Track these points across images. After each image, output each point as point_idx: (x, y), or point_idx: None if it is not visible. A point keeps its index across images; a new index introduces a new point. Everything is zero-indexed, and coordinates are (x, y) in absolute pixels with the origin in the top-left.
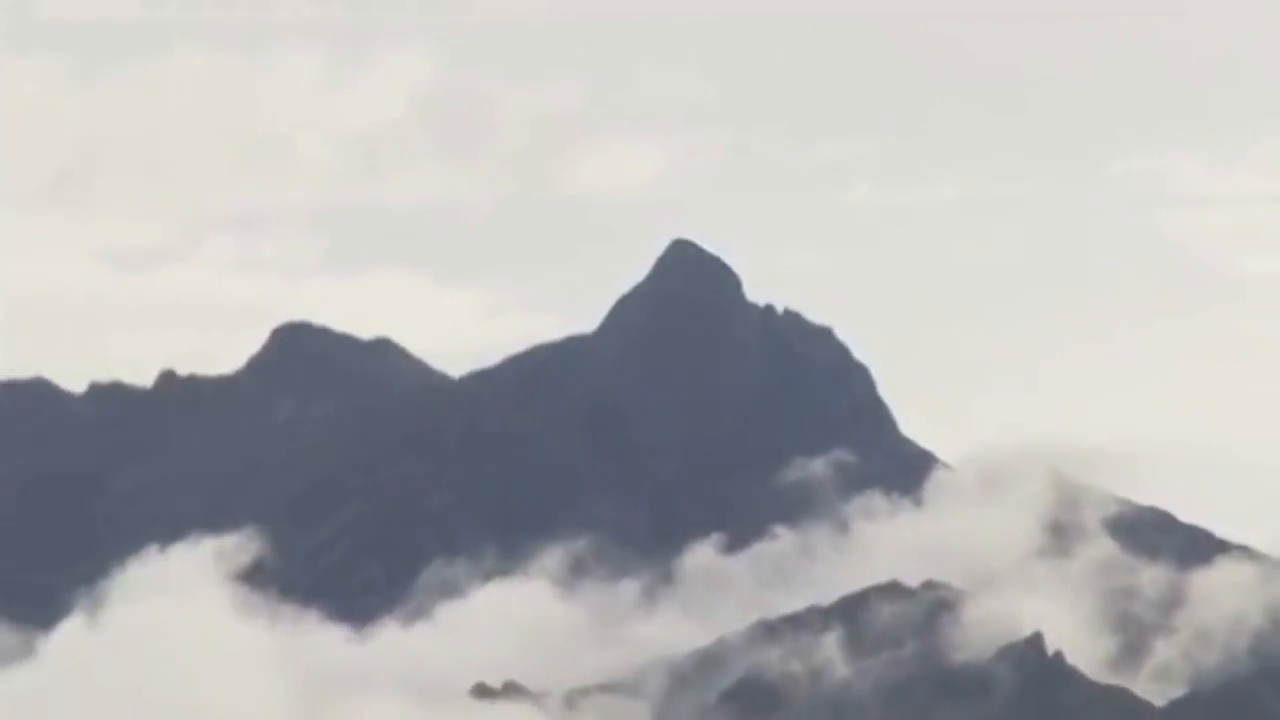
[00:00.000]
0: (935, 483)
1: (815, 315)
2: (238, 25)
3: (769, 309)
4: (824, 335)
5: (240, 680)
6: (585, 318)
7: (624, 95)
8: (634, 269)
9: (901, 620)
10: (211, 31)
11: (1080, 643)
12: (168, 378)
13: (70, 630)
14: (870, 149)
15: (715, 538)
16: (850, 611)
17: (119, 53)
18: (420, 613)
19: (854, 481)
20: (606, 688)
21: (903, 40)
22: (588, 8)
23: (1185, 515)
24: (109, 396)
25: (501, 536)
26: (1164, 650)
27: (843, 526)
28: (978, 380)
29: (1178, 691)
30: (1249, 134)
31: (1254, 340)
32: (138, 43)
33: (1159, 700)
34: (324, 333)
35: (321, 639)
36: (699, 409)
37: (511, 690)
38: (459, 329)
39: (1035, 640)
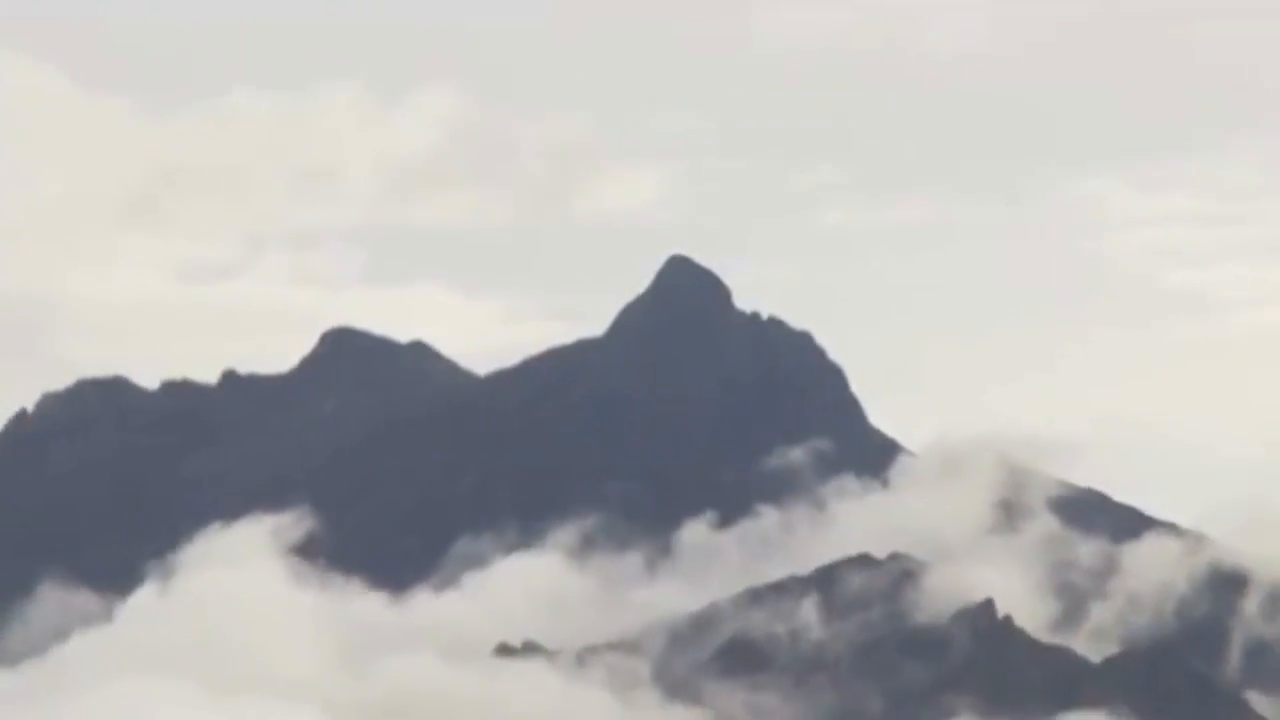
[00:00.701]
0: (900, 468)
1: (795, 322)
2: (292, 66)
3: (755, 316)
4: (803, 339)
5: (293, 640)
6: (594, 323)
7: (628, 129)
8: (637, 281)
9: (870, 588)
10: (269, 72)
11: (1026, 607)
12: (230, 376)
13: (144, 597)
14: (843, 178)
15: (708, 515)
16: (826, 580)
17: (188, 92)
18: (450, 581)
19: (829, 466)
20: (613, 646)
21: (871, 82)
22: (597, 51)
23: (1118, 496)
24: (179, 392)
25: (521, 514)
26: (1099, 613)
27: (819, 505)
28: (937, 378)
29: (1112, 649)
30: (1173, 164)
31: (1176, 343)
32: (204, 83)
33: (1095, 657)
34: (366, 336)
35: (363, 604)
36: (693, 403)
37: (529, 649)
38: (483, 333)
39: (987, 605)
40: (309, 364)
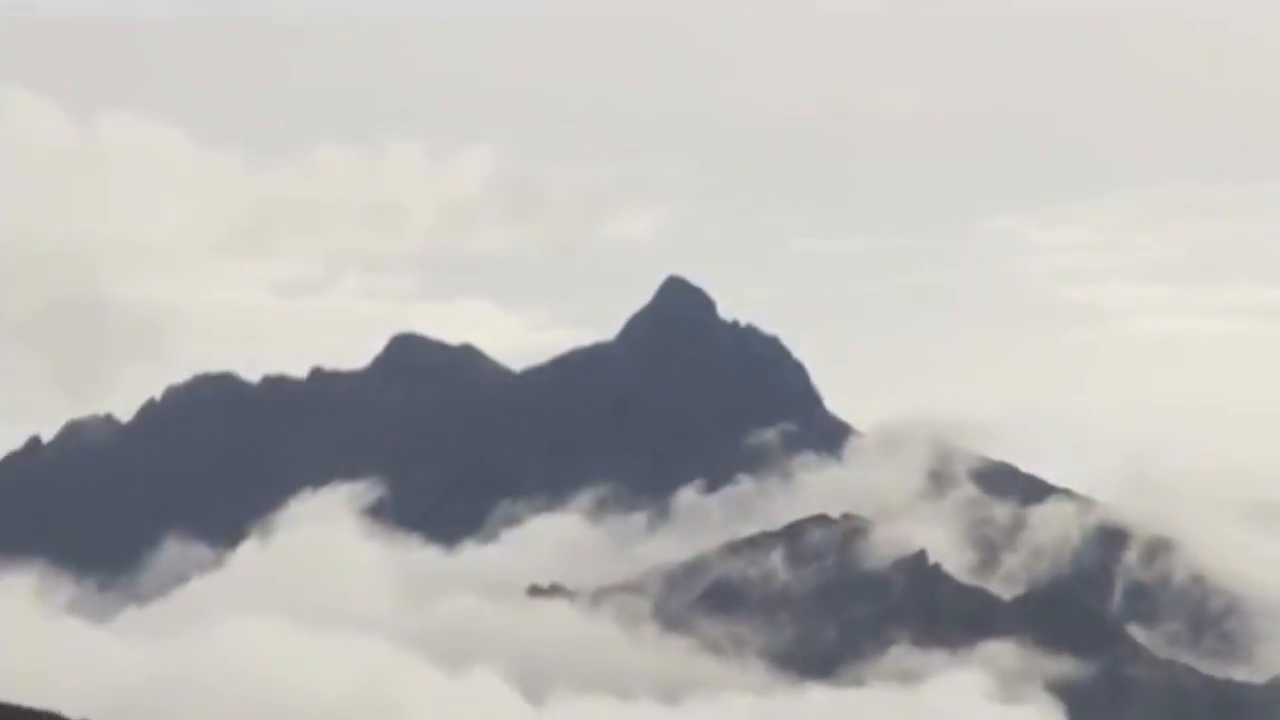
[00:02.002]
0: (851, 445)
1: (767, 328)
2: (366, 125)
3: (735, 324)
4: (773, 342)
5: (365, 584)
6: (606, 330)
7: (634, 175)
8: (641, 296)
9: (826, 541)
10: (347, 129)
11: (951, 557)
12: (316, 372)
13: (248, 550)
14: (806, 215)
15: (697, 483)
16: (791, 535)
17: (281, 145)
18: (491, 536)
19: (794, 444)
20: (621, 588)
21: (829, 139)
22: (610, 114)
23: (1025, 467)
24: (275, 385)
25: (548, 483)
26: (1010, 562)
27: (786, 475)
28: (881, 373)
29: (1020, 590)
30: (1069, 206)
31: (1071, 345)
32: (295, 138)
33: (1007, 596)
34: (425, 340)
35: (421, 555)
36: (686, 394)
37: (555, 590)
38: (519, 338)
39: (920, 555)
40: (379, 363)
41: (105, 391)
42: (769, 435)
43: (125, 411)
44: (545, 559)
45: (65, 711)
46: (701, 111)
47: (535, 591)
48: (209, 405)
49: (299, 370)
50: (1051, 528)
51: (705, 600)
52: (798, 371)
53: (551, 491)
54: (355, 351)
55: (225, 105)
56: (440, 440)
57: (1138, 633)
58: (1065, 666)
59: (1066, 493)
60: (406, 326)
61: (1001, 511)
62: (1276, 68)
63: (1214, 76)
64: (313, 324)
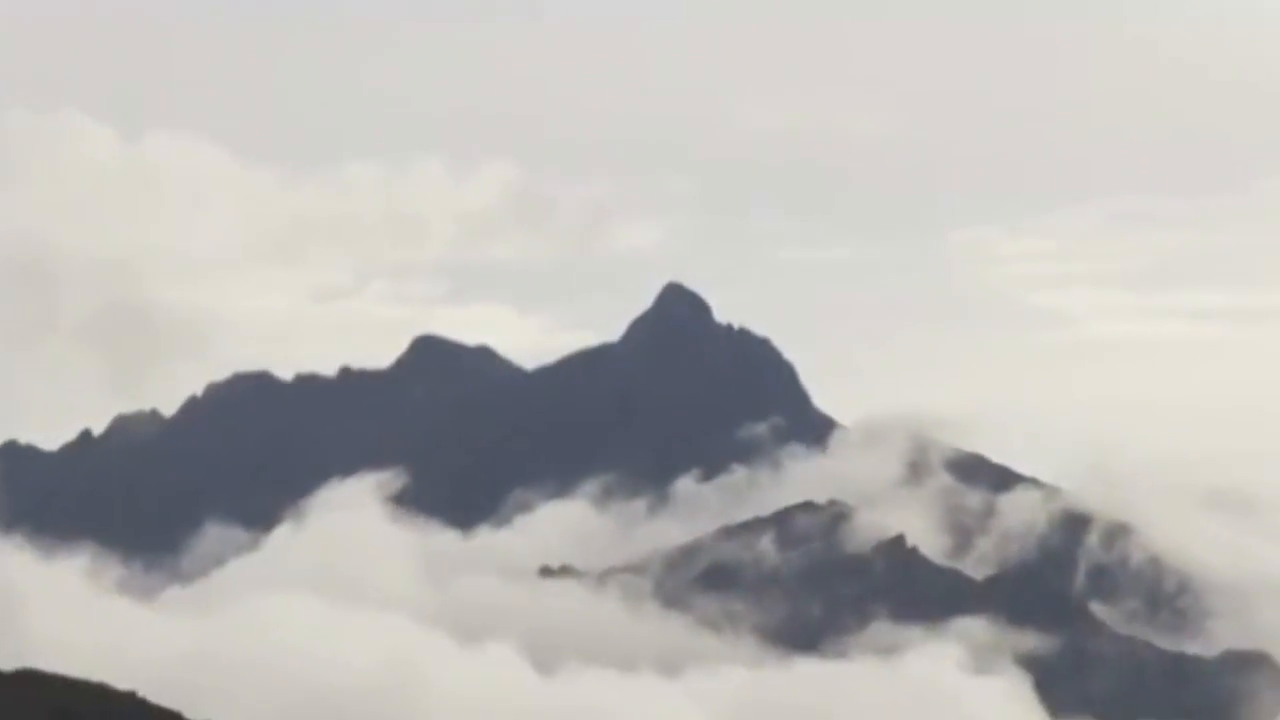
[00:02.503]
0: (836, 438)
1: (759, 331)
2: (392, 144)
3: (729, 326)
4: (764, 343)
5: (390, 566)
6: (611, 332)
7: (636, 190)
8: (642, 301)
9: (813, 526)
10: (375, 147)
11: (928, 540)
12: (345, 371)
13: (283, 532)
14: (794, 226)
15: (695, 472)
16: (780, 520)
17: (314, 162)
18: (505, 521)
19: (784, 437)
20: (625, 569)
21: (815, 157)
22: (615, 134)
23: (995, 458)
24: (307, 383)
25: (558, 472)
26: (982, 545)
27: (776, 466)
28: (863, 372)
29: (991, 571)
30: (1036, 219)
31: (1038, 346)
32: (327, 156)
33: (978, 576)
34: (445, 342)
35: (442, 538)
36: (683, 390)
37: (564, 571)
38: (531, 339)
39: (899, 539)
40: (403, 362)
41: (151, 388)
42: (760, 429)
43: (169, 406)
44: (555, 542)
45: (113, 683)
46: (699, 133)
47: (546, 572)
48: (246, 401)
49: (329, 369)
50: (1019, 514)
51: (702, 580)
52: (786, 370)
53: (560, 480)
54: (381, 352)
55: (262, 126)
56: (458, 433)
57: (1099, 610)
58: (1032, 641)
59: (1033, 482)
60: (428, 329)
61: (973, 499)
62: (1226, 91)
63: (1170, 99)
64: (342, 327)
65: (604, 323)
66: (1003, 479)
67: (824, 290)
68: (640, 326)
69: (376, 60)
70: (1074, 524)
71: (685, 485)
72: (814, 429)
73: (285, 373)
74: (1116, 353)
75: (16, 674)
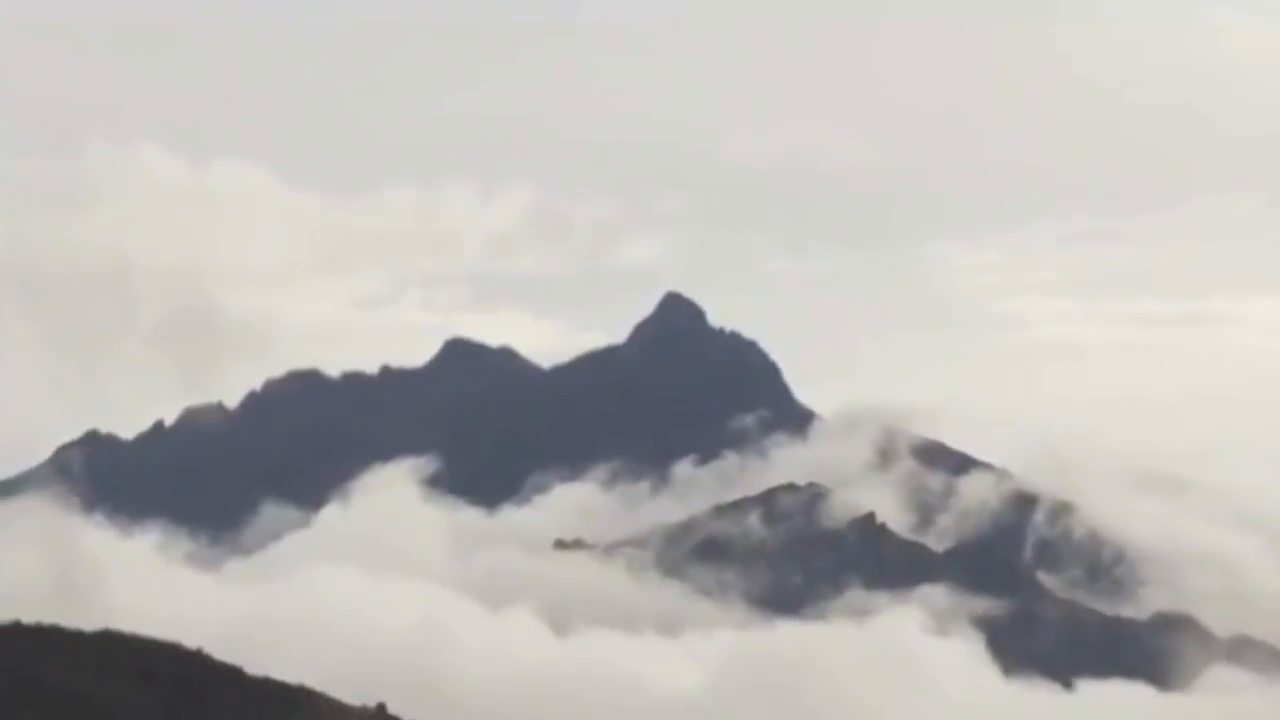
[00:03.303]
0: (816, 428)
1: (748, 334)
2: (426, 169)
3: (721, 330)
4: (752, 345)
5: (423, 539)
6: (618, 334)
7: (641, 209)
8: (646, 307)
9: (795, 505)
10: (411, 172)
11: (895, 517)
12: (385, 369)
13: (331, 511)
14: (780, 240)
15: (691, 458)
16: (767, 500)
17: (355, 186)
18: (525, 500)
19: (769, 427)
20: (629, 543)
21: (799, 179)
22: (622, 158)
23: (954, 445)
24: (352, 379)
25: (571, 458)
26: (942, 522)
27: (762, 452)
28: (839, 370)
29: (950, 544)
30: (994, 234)
31: (995, 348)
32: (367, 180)
33: (939, 549)
34: (472, 343)
35: (469, 515)
36: (682, 386)
37: (576, 544)
38: (547, 341)
39: (870, 516)
40: (436, 361)
41: (216, 384)
42: (748, 420)
43: (232, 400)
44: (568, 519)
45: (183, 642)
46: (696, 159)
47: (560, 545)
48: (299, 395)
49: (371, 367)
50: (975, 494)
51: (697, 552)
52: (772, 369)
53: (573, 464)
54: (416, 352)
55: (311, 154)
56: (484, 424)
57: (1044, 578)
58: (986, 605)
59: (987, 466)
60: (457, 332)
61: (935, 481)
62: (1160, 121)
63: (1110, 130)
64: (381, 330)
65: (611, 326)
66: (961, 463)
67: (806, 298)
68: (643, 330)
69: (411, 97)
70: (1023, 503)
71: (682, 469)
72: (796, 420)
73: (332, 370)
74: (1063, 354)
75: (99, 634)
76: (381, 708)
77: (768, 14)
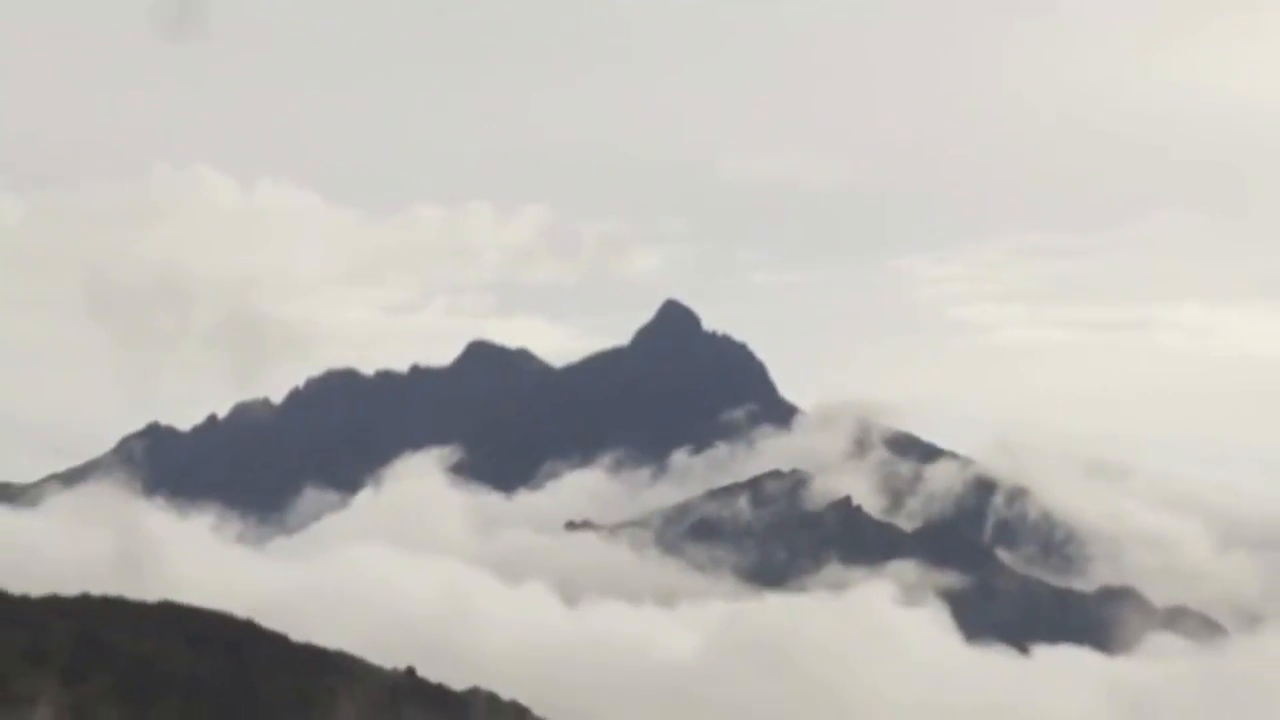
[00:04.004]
0: (798, 421)
1: (737, 337)
2: (451, 190)
3: (714, 333)
4: (741, 347)
5: (448, 521)
6: (622, 337)
7: (644, 227)
8: (647, 313)
9: (779, 490)
10: (437, 193)
11: (869, 500)
12: (415, 368)
13: (365, 495)
14: (765, 256)
15: (686, 448)
16: (754, 485)
17: (388, 206)
18: (539, 485)
19: (756, 420)
20: (632, 524)
21: (782, 199)
22: (626, 182)
23: (922, 436)
24: (384, 377)
25: (581, 448)
26: (911, 504)
27: (751, 443)
28: (819, 369)
29: (918, 524)
30: (952, 250)
31: (956, 349)
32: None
33: (908, 529)
34: (492, 345)
35: (488, 499)
36: (678, 383)
37: (585, 525)
38: (560, 343)
39: (846, 499)
40: (460, 361)
41: (263, 381)
42: (738, 413)
43: (277, 395)
44: (577, 502)
45: (234, 612)
46: (692, 183)
47: (570, 526)
48: (337, 392)
49: (401, 367)
50: (941, 480)
51: (692, 532)
52: (759, 368)
53: (582, 453)
54: (442, 353)
55: (348, 177)
56: (503, 417)
57: (1003, 555)
58: (950, 579)
59: (952, 454)
60: (479, 335)
61: (905, 468)
62: (1106, 150)
63: (1056, 156)
64: (411, 333)
65: (616, 331)
66: (928, 452)
67: (789, 305)
68: (645, 334)
69: (439, 126)
70: (983, 488)
71: (679, 458)
72: (780, 414)
73: (367, 369)
74: (1017, 355)
75: (159, 604)
76: (410, 670)
77: (756, 56)
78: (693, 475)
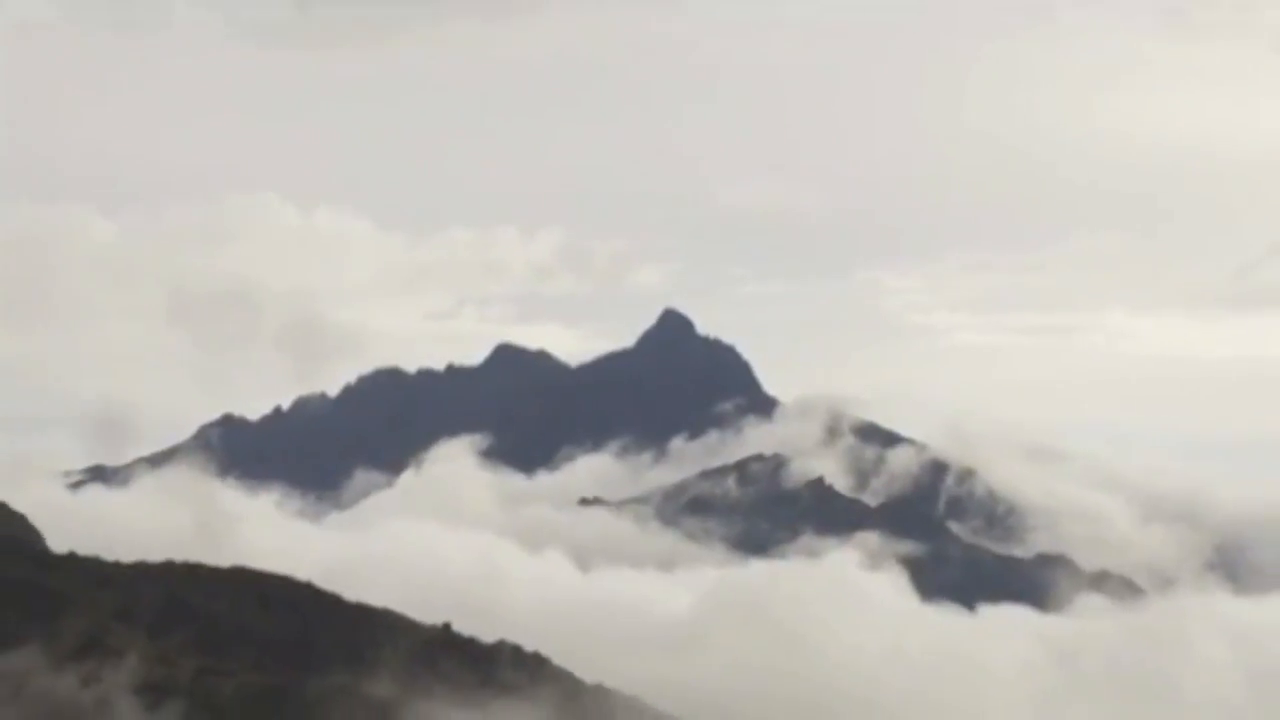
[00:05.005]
0: (779, 413)
1: (727, 340)
2: (479, 213)
3: (707, 337)
4: (730, 349)
5: (479, 498)
6: (628, 340)
7: (647, 244)
8: (649, 320)
9: (762, 471)
10: (470, 215)
11: (839, 479)
12: (450, 366)
13: (408, 475)
14: (751, 272)
15: (682, 435)
16: (740, 468)
17: (426, 230)
18: (556, 468)
19: (743, 412)
20: (636, 500)
21: (768, 224)
22: (632, 207)
23: (884, 425)
24: (425, 374)
25: (592, 435)
26: (875, 483)
27: (738, 431)
28: (797, 368)
29: (881, 501)
30: (910, 264)
31: (915, 350)
32: (434, 224)
33: (873, 504)
34: (517, 348)
35: (513, 479)
36: (676, 380)
37: (596, 501)
38: (574, 345)
39: (820, 479)
40: (488, 361)
41: (320, 377)
42: (727, 406)
43: (332, 390)
44: (589, 482)
45: (296, 575)
46: (690, 206)
47: (584, 502)
48: (384, 387)
49: (439, 365)
50: (900, 462)
51: (688, 507)
52: (745, 367)
53: (594, 440)
54: (473, 354)
55: (394, 203)
56: (525, 409)
57: (953, 527)
58: (908, 548)
59: (910, 441)
60: (505, 339)
61: (870, 452)
62: (1044, 180)
63: (1004, 184)
64: (447, 337)
65: (622, 334)
66: (889, 439)
67: (771, 313)
68: (647, 337)
69: (471, 159)
70: (937, 469)
71: (677, 444)
72: (763, 406)
73: (409, 368)
74: (966, 355)
75: (231, 570)
76: (446, 626)
77: (745, 102)
78: (688, 458)
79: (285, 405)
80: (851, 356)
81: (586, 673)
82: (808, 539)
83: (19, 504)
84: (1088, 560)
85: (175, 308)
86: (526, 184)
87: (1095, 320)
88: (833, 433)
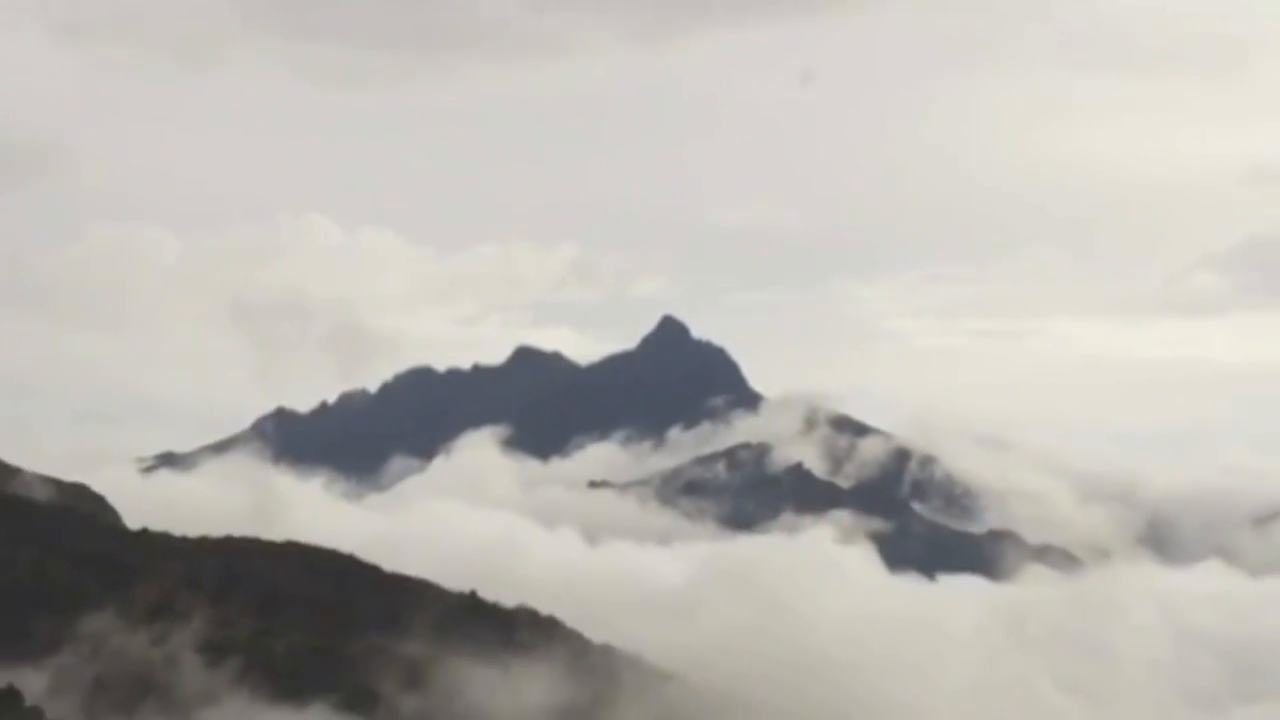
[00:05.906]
0: (764, 407)
1: (718, 343)
2: (499, 230)
3: (699, 340)
4: (721, 351)
5: (500, 481)
6: (632, 343)
7: (647, 259)
8: (650, 325)
9: (748, 457)
10: (489, 233)
11: (816, 464)
12: (476, 366)
13: (439, 462)
14: (739, 284)
15: (679, 426)
16: (728, 455)
17: (455, 245)
18: (569, 455)
19: (732, 406)
20: (638, 483)
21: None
22: (635, 224)
23: (856, 417)
24: (453, 373)
25: (600, 426)
26: (848, 467)
27: (728, 423)
28: (779, 367)
29: (853, 484)
30: (887, 279)
31: (883, 352)
32: (460, 241)
33: (846, 486)
34: (534, 349)
35: (530, 465)
36: (674, 378)
37: (603, 484)
38: (585, 348)
39: (798, 465)
40: (509, 361)
41: (361, 375)
42: (718, 400)
43: (372, 386)
44: (597, 467)
45: (340, 549)
46: (685, 225)
47: (593, 485)
48: (418, 384)
49: (465, 365)
50: (870, 450)
51: (684, 490)
52: (734, 367)
53: (601, 430)
54: (496, 355)
55: (426, 221)
56: (541, 404)
57: (916, 506)
58: (877, 525)
59: (878, 431)
60: (524, 342)
61: (843, 440)
62: (998, 201)
63: (964, 204)
64: (473, 340)
65: (627, 338)
66: (860, 429)
67: (757, 319)
68: (648, 340)
69: (494, 183)
70: (902, 456)
71: (674, 434)
72: (750, 401)
73: (440, 367)
74: (928, 357)
75: (283, 544)
76: (472, 593)
77: (733, 132)
78: (684, 447)
79: (331, 400)
80: (827, 357)
81: (595, 634)
82: (788, 517)
83: (98, 486)
84: (1033, 535)
85: (234, 315)
86: (543, 206)
87: (1041, 325)
88: (810, 424)
